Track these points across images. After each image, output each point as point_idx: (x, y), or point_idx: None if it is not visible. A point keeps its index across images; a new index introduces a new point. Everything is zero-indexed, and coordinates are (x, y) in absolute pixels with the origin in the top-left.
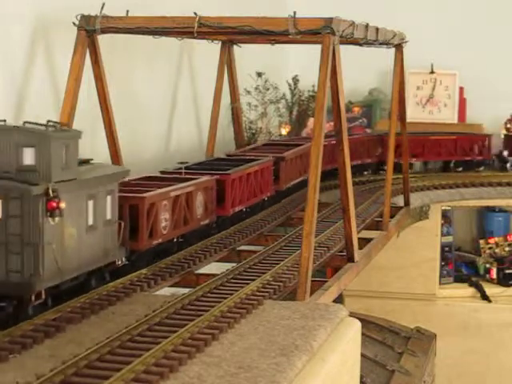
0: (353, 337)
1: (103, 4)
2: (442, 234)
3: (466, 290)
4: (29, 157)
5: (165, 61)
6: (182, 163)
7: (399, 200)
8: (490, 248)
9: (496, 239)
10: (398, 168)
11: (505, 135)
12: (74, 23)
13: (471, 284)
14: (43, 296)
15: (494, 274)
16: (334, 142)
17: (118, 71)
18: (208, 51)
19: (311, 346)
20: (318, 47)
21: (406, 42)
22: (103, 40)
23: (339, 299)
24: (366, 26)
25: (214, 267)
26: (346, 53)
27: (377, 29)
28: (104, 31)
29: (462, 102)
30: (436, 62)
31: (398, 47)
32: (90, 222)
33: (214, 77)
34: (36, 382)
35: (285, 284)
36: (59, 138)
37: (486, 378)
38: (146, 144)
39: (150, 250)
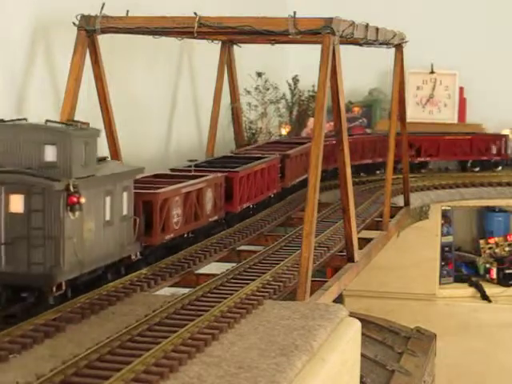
0: (353, 337)
1: (103, 4)
2: (442, 234)
3: (466, 290)
4: (50, 154)
5: (165, 61)
6: (191, 161)
7: (399, 200)
8: (490, 248)
9: (496, 239)
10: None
11: None
12: (73, 23)
13: (471, 284)
14: (63, 287)
15: (494, 273)
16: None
17: (117, 71)
18: (208, 51)
19: (311, 345)
20: (318, 47)
21: (405, 42)
22: (103, 40)
23: (339, 299)
24: (366, 26)
25: (214, 267)
26: (346, 53)
27: (377, 29)
28: (104, 31)
29: (462, 102)
30: (436, 62)
31: (398, 47)
32: (107, 217)
33: (213, 77)
34: (36, 382)
35: (285, 284)
36: (79, 136)
37: (486, 378)
38: (146, 144)
39: (162, 245)
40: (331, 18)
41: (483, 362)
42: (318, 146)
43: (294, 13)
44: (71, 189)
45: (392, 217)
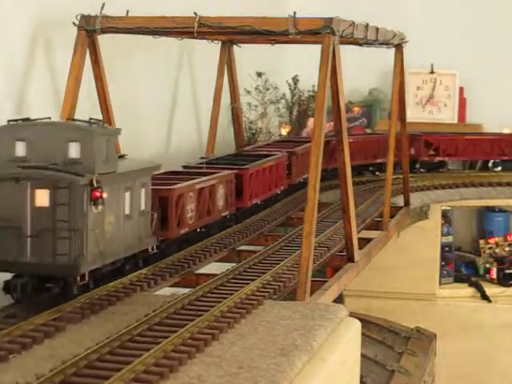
0: (353, 337)
1: (103, 4)
2: (442, 234)
3: (466, 290)
4: (74, 150)
5: (165, 61)
6: (203, 158)
7: (399, 200)
8: (490, 248)
9: (496, 239)
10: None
11: None
12: (74, 23)
13: (471, 284)
14: (87, 278)
15: (494, 273)
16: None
17: (117, 71)
18: (208, 51)
19: (311, 345)
20: (318, 47)
21: (405, 42)
22: (103, 40)
23: (339, 299)
24: (366, 26)
25: (214, 267)
26: (346, 53)
27: (377, 29)
28: (104, 31)
29: (462, 102)
30: (436, 62)
31: (398, 47)
32: (127, 211)
33: (213, 77)
34: (36, 382)
35: (285, 284)
36: (102, 134)
37: (486, 378)
38: (146, 144)
39: (177, 239)
40: (331, 18)
41: (483, 362)
42: (318, 146)
43: (294, 13)
44: (94, 184)
45: (392, 217)
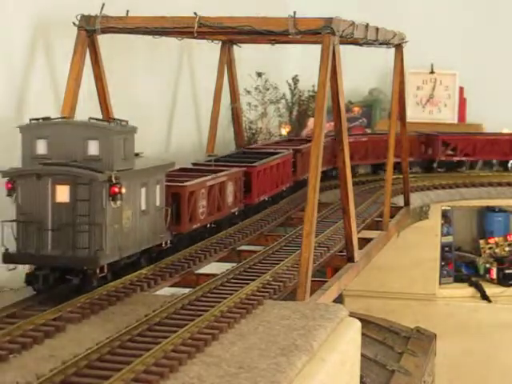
0: (353, 337)
1: (103, 4)
2: (442, 234)
3: (466, 290)
4: (94, 148)
5: (165, 61)
6: (211, 155)
7: (399, 200)
8: (490, 248)
9: (496, 239)
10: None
11: None
12: (74, 23)
13: (471, 284)
14: (105, 270)
15: (494, 274)
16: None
17: (117, 71)
18: (208, 51)
19: (311, 345)
20: (318, 47)
21: (405, 42)
22: (103, 40)
23: (339, 299)
24: (366, 26)
25: (214, 267)
26: (346, 53)
27: (377, 29)
28: (104, 31)
29: (462, 102)
30: (436, 62)
31: (398, 47)
32: (143, 207)
33: (213, 77)
34: (36, 382)
35: (285, 284)
36: (119, 133)
37: (486, 378)
38: (146, 144)
39: (188, 234)
40: (331, 18)
41: (483, 362)
42: (318, 147)
43: (294, 13)
44: (113, 180)
45: (392, 217)
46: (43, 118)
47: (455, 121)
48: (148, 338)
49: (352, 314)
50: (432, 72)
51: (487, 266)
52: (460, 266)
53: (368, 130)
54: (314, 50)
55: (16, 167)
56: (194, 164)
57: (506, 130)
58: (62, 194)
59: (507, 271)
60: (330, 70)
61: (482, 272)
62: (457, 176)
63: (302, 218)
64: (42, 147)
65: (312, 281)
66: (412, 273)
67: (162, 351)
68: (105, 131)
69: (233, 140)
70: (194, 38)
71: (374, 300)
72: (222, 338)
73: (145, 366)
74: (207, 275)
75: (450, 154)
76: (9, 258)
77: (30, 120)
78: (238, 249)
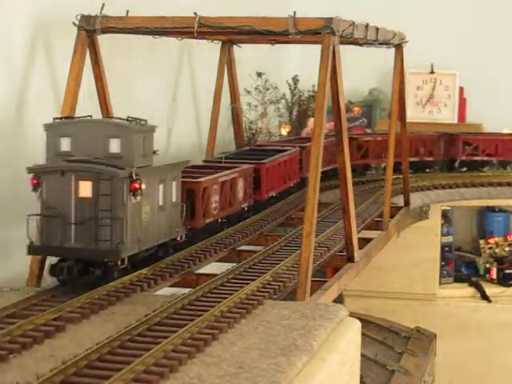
0: (353, 337)
1: (103, 4)
2: (442, 234)
3: (466, 290)
4: (115, 146)
5: (165, 61)
6: (222, 153)
7: (399, 200)
8: (490, 248)
9: (496, 239)
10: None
11: None
12: (74, 23)
13: (471, 284)
14: (126, 262)
15: (494, 273)
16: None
17: (117, 71)
18: (208, 51)
19: (311, 345)
20: (318, 47)
21: (405, 42)
22: (103, 40)
23: (339, 299)
24: (366, 26)
25: (214, 267)
26: (346, 53)
27: (377, 29)
28: (104, 31)
29: (462, 102)
30: (436, 62)
31: (398, 47)
32: (161, 202)
33: (213, 77)
34: (36, 382)
35: (285, 284)
36: (139, 131)
37: (486, 378)
38: None
39: (202, 228)
40: (331, 18)
41: (483, 362)
42: (318, 146)
43: (294, 13)
44: (134, 176)
45: (392, 217)
46: (66, 117)
47: (455, 121)
48: (148, 338)
49: (352, 314)
50: (432, 72)
51: (487, 265)
52: (460, 266)
53: (368, 130)
54: (314, 50)
55: (41, 164)
56: (205, 161)
57: (505, 130)
58: (85, 189)
59: (507, 271)
60: (330, 70)
61: (482, 272)
62: (457, 176)
63: (302, 218)
64: (65, 145)
65: (312, 281)
66: (412, 273)
67: (162, 351)
68: (125, 130)
69: (233, 140)
70: (194, 37)
71: (374, 300)
72: (222, 338)
73: (145, 366)
74: (207, 275)
75: (472, 153)
76: (34, 250)
77: (54, 119)
78: (238, 249)
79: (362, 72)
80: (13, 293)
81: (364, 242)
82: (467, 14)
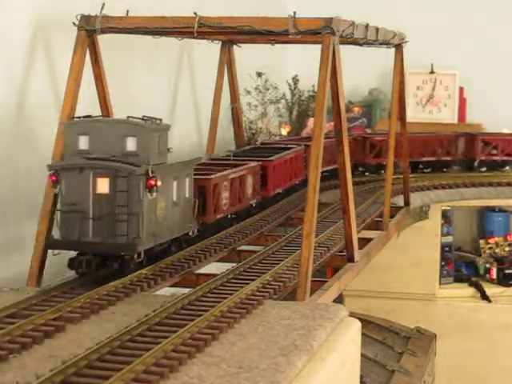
0: (353, 337)
1: (103, 4)
2: (442, 234)
3: (466, 290)
4: (131, 144)
5: (165, 61)
6: (229, 151)
7: (399, 200)
8: (490, 248)
9: (496, 239)
10: None
11: None
12: (73, 23)
13: (471, 284)
14: (142, 256)
15: (494, 273)
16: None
17: (117, 71)
18: (208, 51)
19: (311, 345)
20: (318, 47)
21: (405, 42)
22: (103, 40)
23: (339, 299)
24: (366, 26)
25: (214, 267)
26: (346, 53)
27: (377, 29)
28: (104, 31)
29: (462, 102)
30: (436, 62)
31: (398, 47)
32: (175, 198)
33: (213, 77)
34: (36, 382)
35: (285, 284)
36: (155, 130)
37: (486, 378)
38: None
39: (212, 224)
40: (331, 18)
41: (483, 362)
42: (318, 146)
43: (294, 13)
44: (149, 173)
45: (392, 217)
46: (85, 116)
47: (455, 121)
48: (148, 338)
49: (352, 314)
50: (432, 72)
51: (487, 265)
52: (460, 266)
53: (368, 130)
54: (314, 50)
55: (60, 161)
56: (213, 159)
57: (505, 130)
58: (103, 185)
59: (507, 271)
60: (330, 70)
61: (482, 272)
62: (457, 176)
63: (302, 218)
64: (83, 143)
65: (312, 281)
66: (412, 273)
67: (162, 351)
68: (142, 129)
69: (233, 140)
70: (194, 37)
71: (374, 300)
72: (222, 338)
73: (145, 366)
74: (207, 275)
75: (491, 153)
76: (53, 245)
77: (73, 118)
78: (238, 249)
79: (362, 72)
80: (13, 293)
81: (364, 242)
82: (467, 14)
